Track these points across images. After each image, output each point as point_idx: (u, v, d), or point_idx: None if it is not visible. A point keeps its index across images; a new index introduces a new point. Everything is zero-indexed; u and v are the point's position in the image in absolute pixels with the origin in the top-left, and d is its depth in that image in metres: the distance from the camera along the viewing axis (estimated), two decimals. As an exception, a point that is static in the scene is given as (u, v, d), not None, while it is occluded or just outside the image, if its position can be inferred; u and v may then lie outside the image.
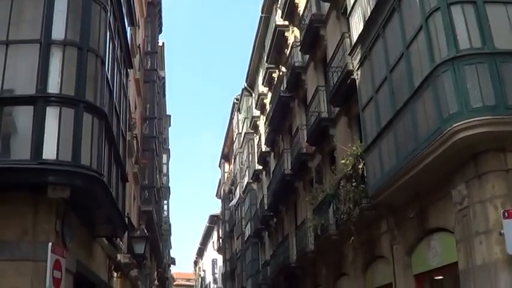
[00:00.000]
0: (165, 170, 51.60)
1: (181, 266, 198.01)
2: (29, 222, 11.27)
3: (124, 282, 23.10)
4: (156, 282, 45.97)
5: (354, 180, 17.90)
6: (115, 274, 20.00)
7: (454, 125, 11.10)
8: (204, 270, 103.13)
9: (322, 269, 24.64)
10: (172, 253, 78.95)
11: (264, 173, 43.17)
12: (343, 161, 18.86)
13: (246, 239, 49.69)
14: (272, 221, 38.28)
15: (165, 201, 53.67)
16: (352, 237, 18.73)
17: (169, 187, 55.55)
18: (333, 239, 21.25)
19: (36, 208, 11.32)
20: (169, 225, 60.20)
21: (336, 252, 22.19)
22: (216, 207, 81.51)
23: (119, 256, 20.44)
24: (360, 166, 17.37)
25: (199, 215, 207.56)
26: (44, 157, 10.87)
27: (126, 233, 20.22)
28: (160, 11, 41.10)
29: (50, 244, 10.76)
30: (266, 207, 38.62)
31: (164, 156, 50.86)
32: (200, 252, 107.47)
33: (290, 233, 30.91)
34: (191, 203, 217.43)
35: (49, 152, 10.95)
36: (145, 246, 21.73)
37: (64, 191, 10.95)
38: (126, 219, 18.04)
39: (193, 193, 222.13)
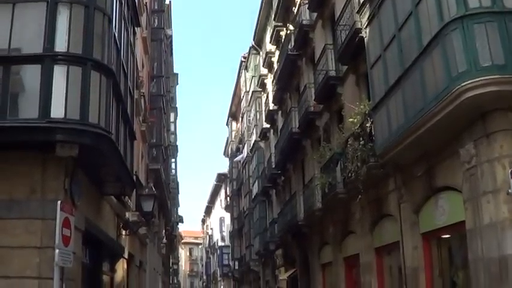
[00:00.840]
0: (172, 129, 51.62)
1: (189, 224, 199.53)
2: (38, 180, 11.36)
3: (132, 240, 23.28)
4: (164, 240, 46.32)
5: (361, 139, 17.88)
6: (123, 232, 20.14)
7: (462, 84, 11.05)
8: (211, 228, 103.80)
9: (330, 227, 24.75)
10: (180, 211, 79.40)
11: (271, 131, 43.13)
12: (351, 120, 18.82)
13: (253, 197, 49.90)
14: (280, 179, 38.39)
15: (173, 160, 53.82)
16: (360, 196, 18.78)
17: (176, 145, 55.70)
18: (341, 197, 21.32)
19: (44, 166, 11.40)
20: (177, 183, 60.47)
21: (343, 210, 22.27)
22: (224, 165, 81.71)
23: (127, 214, 20.58)
24: (368, 125, 17.34)
25: (207, 173, 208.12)
26: (52, 115, 10.92)
27: (135, 191, 20.34)
28: (167, -32, 40.83)
29: (59, 202, 10.82)
30: (274, 166, 38.70)
31: (172, 115, 50.83)
32: (208, 211, 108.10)
33: (297, 191, 30.99)
34: (199, 162, 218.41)
35: (57, 110, 10.99)
36: (153, 204, 21.82)
37: (72, 149, 11.00)
38: (134, 178, 18.12)
39: (201, 152, 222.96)
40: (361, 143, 17.86)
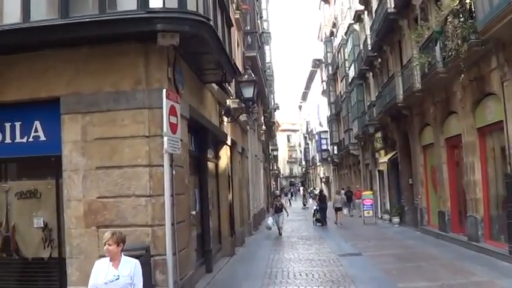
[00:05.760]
0: (265, 16, 51.38)
1: (286, 111, 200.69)
2: (142, 71, 11.61)
3: (234, 127, 23.71)
4: (263, 127, 46.88)
5: (461, 16, 17.44)
6: (225, 119, 20.47)
7: None
8: (308, 114, 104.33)
9: (430, 107, 24.51)
10: (276, 99, 79.91)
11: (365, 13, 42.31)
12: (449, -4, 18.32)
13: (350, 81, 49.64)
14: (376, 61, 37.95)
15: (267, 47, 53.79)
16: (462, 75, 18.45)
17: (270, 32, 55.53)
18: (441, 77, 20.99)
19: (147, 57, 11.61)
20: (272, 71, 60.56)
21: (444, 90, 21.98)
22: (318, 50, 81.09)
23: (228, 101, 20.85)
24: (468, 1, 16.85)
25: (301, 59, 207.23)
26: (150, 5, 11.00)
27: (234, 79, 20.51)
28: None
29: (164, 90, 11.05)
30: (370, 48, 38.23)
31: (263, 1, 50.49)
32: (304, 97, 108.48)
33: (395, 72, 30.57)
34: (293, 48, 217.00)
35: (155, 0, 11.06)
36: (254, 89, 21.88)
37: (173, 37, 11.10)
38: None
39: (295, 38, 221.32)
40: (461, 20, 17.43)
